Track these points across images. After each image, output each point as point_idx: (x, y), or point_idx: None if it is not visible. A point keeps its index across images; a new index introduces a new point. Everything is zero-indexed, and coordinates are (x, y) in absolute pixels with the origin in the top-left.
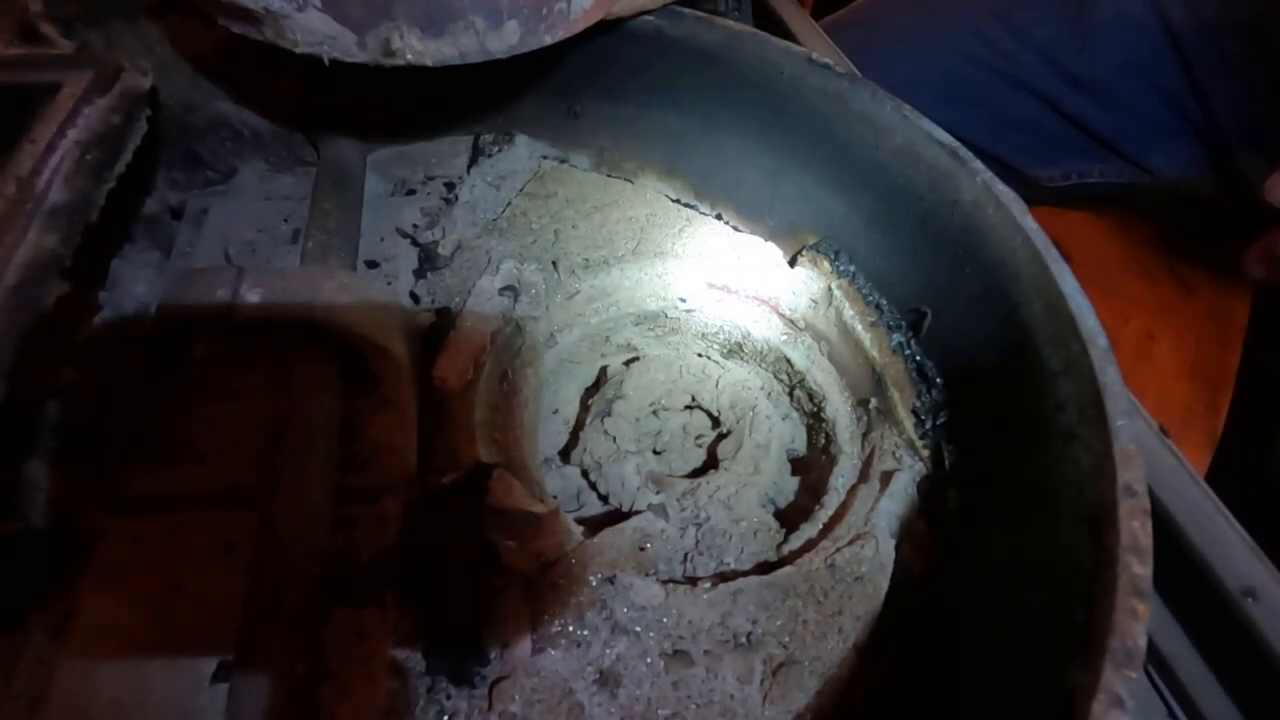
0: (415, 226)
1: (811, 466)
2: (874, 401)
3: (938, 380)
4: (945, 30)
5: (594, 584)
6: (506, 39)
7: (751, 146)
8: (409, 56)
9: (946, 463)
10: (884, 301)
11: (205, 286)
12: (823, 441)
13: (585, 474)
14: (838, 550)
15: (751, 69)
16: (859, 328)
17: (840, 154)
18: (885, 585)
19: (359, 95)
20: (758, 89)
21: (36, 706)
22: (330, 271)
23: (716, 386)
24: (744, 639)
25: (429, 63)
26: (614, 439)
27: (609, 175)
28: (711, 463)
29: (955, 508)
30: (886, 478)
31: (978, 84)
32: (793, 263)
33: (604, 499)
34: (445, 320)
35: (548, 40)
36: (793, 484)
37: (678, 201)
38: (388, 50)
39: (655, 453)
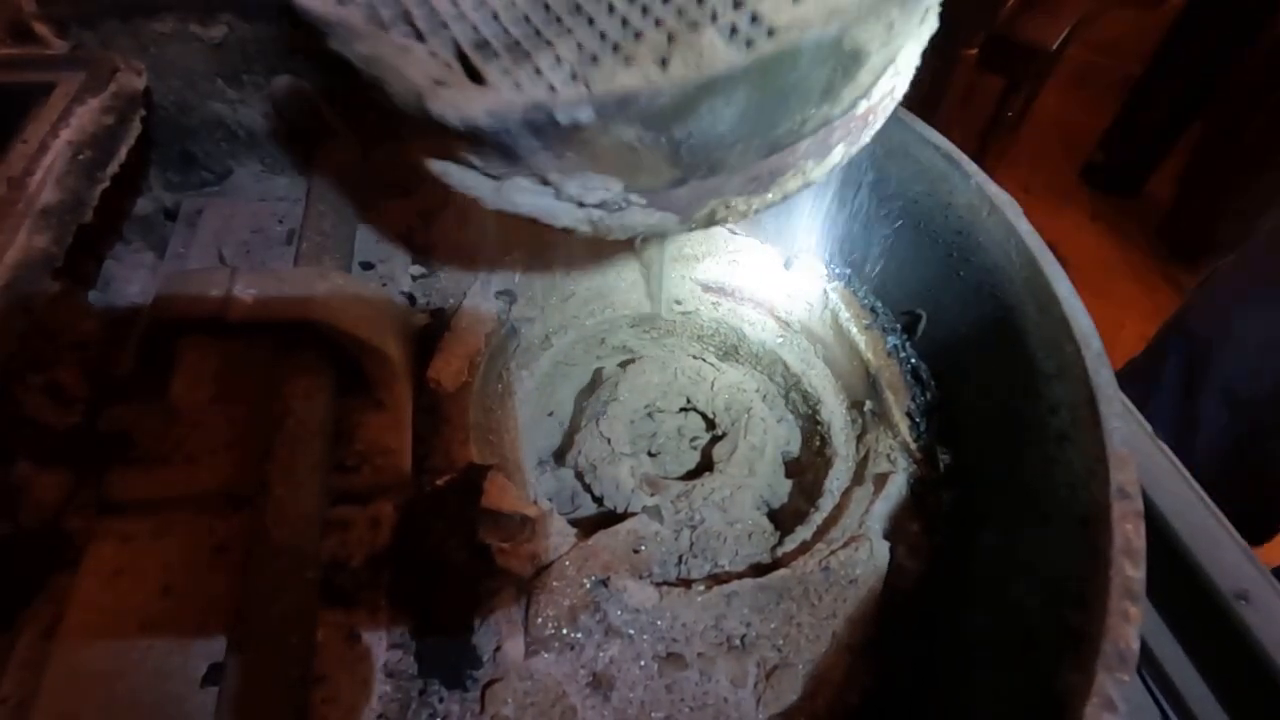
0: (411, 228)
1: (806, 469)
2: (869, 404)
3: (932, 383)
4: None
5: (588, 586)
6: (830, 162)
7: None
8: (730, 219)
9: (941, 465)
10: (879, 304)
11: (199, 287)
12: (818, 444)
13: (580, 476)
14: (832, 553)
15: None
16: (854, 330)
17: None
18: (879, 588)
19: (358, 101)
20: None
21: (25, 709)
22: (325, 272)
23: (712, 389)
24: (738, 642)
25: (749, 217)
26: (609, 441)
27: None
28: (706, 465)
29: (949, 510)
30: (881, 480)
31: None
32: (788, 265)
33: (598, 501)
34: (440, 322)
35: (865, 141)
36: (787, 486)
37: None
38: (710, 221)
39: (650, 455)
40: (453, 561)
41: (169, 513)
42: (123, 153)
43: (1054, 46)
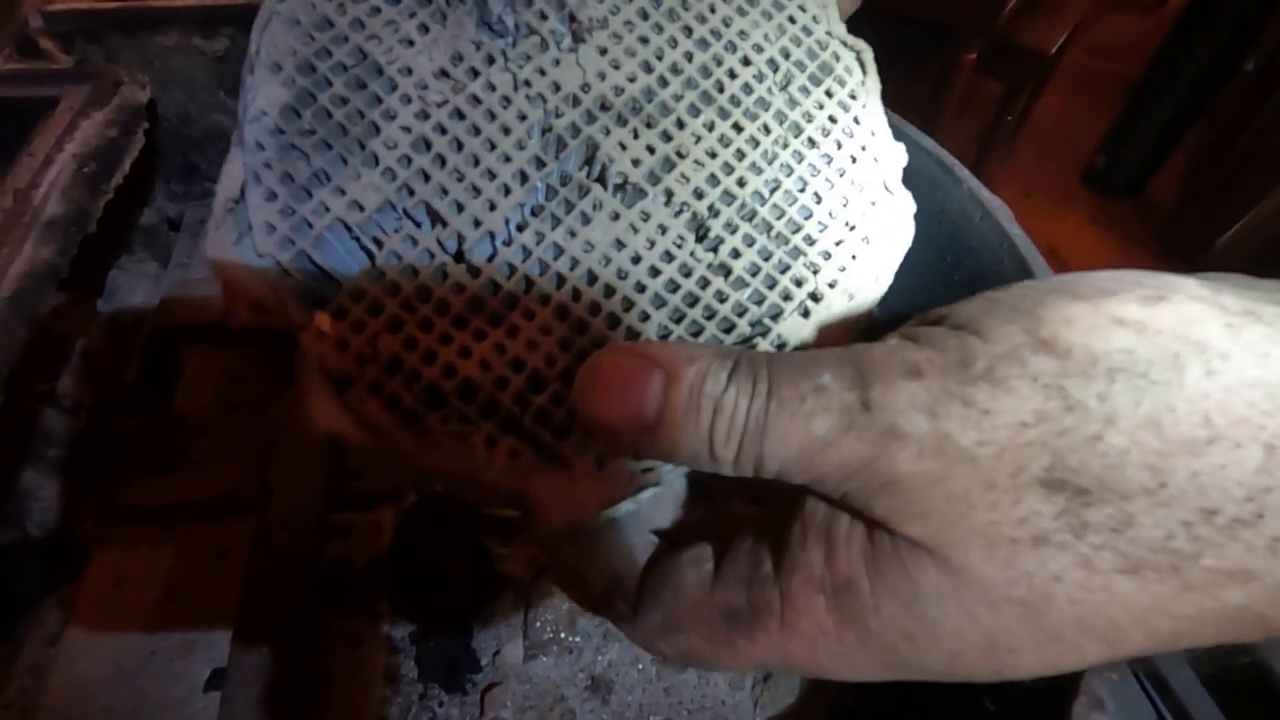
0: None
1: None
2: None
3: None
4: None
5: None
6: None
7: None
8: None
9: None
10: (874, 309)
11: (201, 295)
12: None
13: None
14: None
15: None
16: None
17: None
18: None
19: None
20: None
21: (29, 714)
22: None
23: None
24: None
25: None
26: None
27: None
28: None
29: None
30: None
31: None
32: None
33: None
34: None
35: None
36: None
37: None
38: None
39: None
40: (453, 566)
41: (172, 519)
42: (126, 165)
43: (1053, 50)
